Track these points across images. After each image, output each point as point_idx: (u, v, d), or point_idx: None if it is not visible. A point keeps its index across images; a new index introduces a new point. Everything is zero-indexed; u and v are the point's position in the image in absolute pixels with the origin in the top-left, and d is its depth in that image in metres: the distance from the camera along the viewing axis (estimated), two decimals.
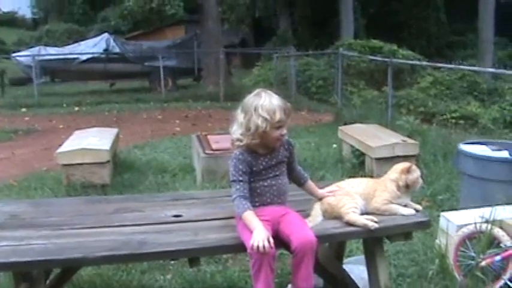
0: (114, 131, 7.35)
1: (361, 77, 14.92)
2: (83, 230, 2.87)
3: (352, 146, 6.82)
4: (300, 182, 3.05)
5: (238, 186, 2.71)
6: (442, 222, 3.83)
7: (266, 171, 2.79)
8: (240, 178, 2.72)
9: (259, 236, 2.53)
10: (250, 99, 2.77)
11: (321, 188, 3.07)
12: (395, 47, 16.59)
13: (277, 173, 2.83)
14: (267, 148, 2.80)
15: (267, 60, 18.63)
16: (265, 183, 2.79)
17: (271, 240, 2.55)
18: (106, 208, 3.23)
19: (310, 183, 3.08)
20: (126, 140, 8.81)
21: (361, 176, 4.64)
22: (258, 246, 2.51)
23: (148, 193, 5.59)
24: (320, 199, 3.00)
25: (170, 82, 17.58)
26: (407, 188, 2.97)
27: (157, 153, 8.06)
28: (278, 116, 2.70)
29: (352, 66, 14.82)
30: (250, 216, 2.65)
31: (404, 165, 3.00)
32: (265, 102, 2.72)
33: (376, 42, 16.92)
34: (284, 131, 2.76)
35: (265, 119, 2.69)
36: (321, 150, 7.74)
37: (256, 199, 2.78)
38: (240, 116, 2.77)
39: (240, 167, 2.73)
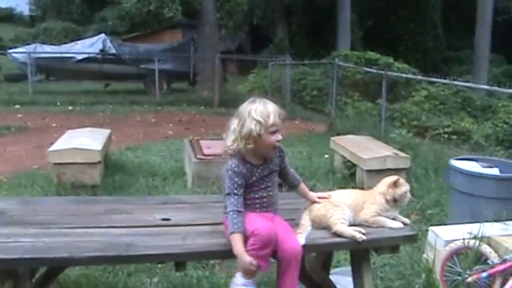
0: (106, 132, 7.33)
1: (356, 88, 14.97)
2: (71, 230, 2.86)
3: (343, 157, 6.84)
4: (293, 185, 3.06)
5: (233, 200, 2.69)
6: (430, 236, 3.82)
7: (258, 182, 2.78)
8: (235, 191, 2.70)
9: (244, 264, 2.59)
10: (244, 106, 2.77)
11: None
12: (391, 60, 16.65)
13: (269, 184, 2.82)
14: (261, 157, 2.80)
15: (262, 67, 18.70)
16: (256, 195, 2.79)
17: (255, 263, 2.57)
18: (95, 209, 3.22)
19: (303, 186, 3.10)
20: (118, 141, 8.81)
21: (352, 187, 4.64)
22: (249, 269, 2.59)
23: (138, 196, 5.59)
24: (311, 203, 3.02)
25: (165, 85, 17.62)
26: (395, 201, 2.98)
27: (149, 156, 8.06)
28: (272, 119, 2.69)
29: (348, 77, 14.87)
30: (236, 239, 2.62)
31: (391, 179, 3.00)
32: (259, 106, 2.72)
33: (372, 54, 16.99)
34: (279, 136, 2.74)
35: (259, 122, 2.67)
36: (313, 160, 7.77)
37: (246, 208, 2.76)
38: (234, 122, 2.75)
39: (236, 179, 2.70)
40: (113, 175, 6.53)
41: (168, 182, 6.48)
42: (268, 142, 2.73)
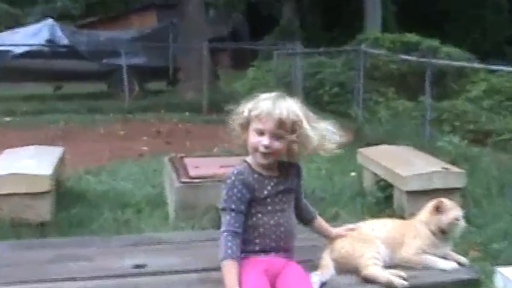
0: (58, 150, 7.31)
1: (390, 82, 14.88)
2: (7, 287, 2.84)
3: (376, 175, 6.83)
4: (306, 219, 3.10)
5: (229, 218, 2.74)
6: (498, 280, 3.76)
7: (272, 200, 2.83)
8: (233, 206, 2.75)
9: None
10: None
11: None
12: (437, 43, 16.63)
13: (285, 206, 2.87)
14: (271, 167, 2.87)
15: (265, 59, 18.69)
16: (272, 221, 2.82)
17: None
18: (43, 256, 3.21)
19: (320, 220, 3.15)
20: (75, 162, 8.77)
21: (388, 216, 4.63)
22: None
23: (103, 235, 5.49)
24: (333, 240, 3.04)
25: (136, 86, 17.64)
26: (442, 233, 2.99)
27: (116, 181, 8.03)
28: (258, 113, 2.80)
29: (379, 68, 14.84)
30: (229, 268, 2.66)
31: (434, 203, 3.03)
32: (264, 96, 2.86)
33: (411, 36, 16.97)
34: (265, 141, 2.78)
35: (247, 109, 2.83)
36: (335, 180, 7.76)
37: (257, 241, 2.82)
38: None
39: (235, 190, 2.77)
40: (69, 208, 6.47)
41: (143, 214, 6.45)
42: (250, 139, 2.83)
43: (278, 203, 2.84)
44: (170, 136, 12.21)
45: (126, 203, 6.84)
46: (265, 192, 2.81)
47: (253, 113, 2.79)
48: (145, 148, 10.83)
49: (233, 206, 2.74)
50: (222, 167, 5.87)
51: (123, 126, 13.32)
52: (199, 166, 6.48)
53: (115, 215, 6.37)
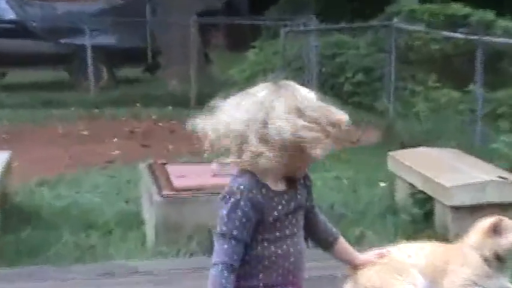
0: (2, 156, 7.36)
1: (430, 67, 14.69)
2: None
3: (412, 186, 6.86)
4: (326, 241, 3.05)
5: (226, 246, 2.66)
6: None
7: (282, 223, 2.74)
8: (235, 233, 2.65)
9: None
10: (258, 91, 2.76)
11: None
12: (491, 16, 16.55)
13: (295, 229, 2.79)
14: (284, 179, 2.78)
15: (270, 37, 18.52)
16: (279, 251, 2.74)
17: None
18: None
19: (343, 243, 3.07)
20: (25, 171, 8.78)
21: (427, 238, 4.50)
22: None
23: (61, 264, 5.38)
24: (357, 268, 3.04)
25: (105, 73, 17.71)
26: (499, 260, 2.98)
27: (79, 195, 8.06)
28: (337, 118, 2.74)
29: (416, 48, 14.72)
30: None
31: (489, 222, 3.03)
32: (303, 93, 2.79)
33: (457, 8, 16.82)
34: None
35: (316, 121, 2.66)
36: (360, 192, 7.81)
37: (260, 276, 2.74)
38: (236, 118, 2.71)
39: (240, 213, 2.65)
40: (17, 230, 6.50)
41: (114, 238, 6.50)
42: (313, 155, 2.67)
43: (287, 227, 2.74)
44: (148, 137, 12.34)
45: (92, 223, 6.90)
46: (275, 213, 2.70)
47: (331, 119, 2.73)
48: (116, 152, 10.91)
49: (235, 233, 2.64)
50: (215, 176, 5.68)
51: (87, 125, 13.36)
52: (186, 175, 6.56)
53: (77, 239, 6.42)
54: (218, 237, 2.68)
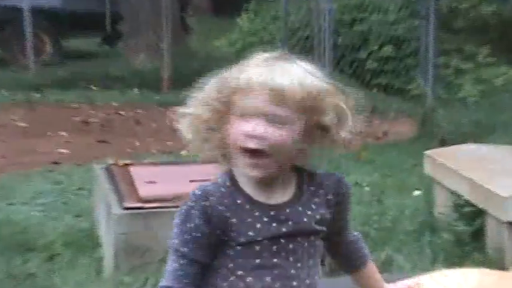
0: None
1: (481, 38, 14.78)
2: None
3: (456, 195, 6.42)
4: (354, 263, 2.81)
5: (176, 265, 2.44)
6: None
7: (264, 248, 2.43)
8: (184, 249, 2.43)
9: None
10: None
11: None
12: None
13: (299, 264, 2.47)
14: (274, 183, 2.49)
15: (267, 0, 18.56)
16: (260, 284, 2.46)
17: None
18: None
19: (372, 268, 2.86)
20: None
21: (475, 264, 4.89)
22: None
23: None
24: None
25: (48, 45, 17.32)
26: None
27: (14, 207, 7.66)
28: (244, 83, 2.40)
29: (461, 13, 14.53)
30: None
31: None
32: (255, 60, 2.50)
33: None
34: (256, 128, 2.36)
35: (221, 82, 2.47)
36: (387, 203, 7.55)
37: None
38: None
39: (190, 225, 2.43)
40: None
41: (60, 263, 6.09)
42: (231, 132, 2.44)
43: (279, 254, 2.44)
44: (106, 130, 12.02)
45: (31, 244, 6.53)
46: (251, 233, 2.42)
47: (234, 84, 2.45)
48: (63, 151, 10.49)
49: (185, 250, 2.43)
50: (193, 181, 5.07)
51: (25, 114, 12.86)
52: (156, 180, 6.32)
53: (10, 265, 6.08)
54: (169, 252, 2.57)
